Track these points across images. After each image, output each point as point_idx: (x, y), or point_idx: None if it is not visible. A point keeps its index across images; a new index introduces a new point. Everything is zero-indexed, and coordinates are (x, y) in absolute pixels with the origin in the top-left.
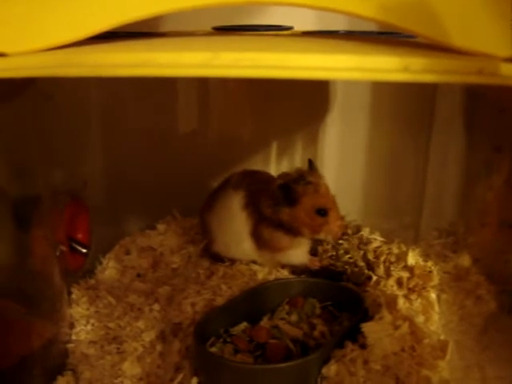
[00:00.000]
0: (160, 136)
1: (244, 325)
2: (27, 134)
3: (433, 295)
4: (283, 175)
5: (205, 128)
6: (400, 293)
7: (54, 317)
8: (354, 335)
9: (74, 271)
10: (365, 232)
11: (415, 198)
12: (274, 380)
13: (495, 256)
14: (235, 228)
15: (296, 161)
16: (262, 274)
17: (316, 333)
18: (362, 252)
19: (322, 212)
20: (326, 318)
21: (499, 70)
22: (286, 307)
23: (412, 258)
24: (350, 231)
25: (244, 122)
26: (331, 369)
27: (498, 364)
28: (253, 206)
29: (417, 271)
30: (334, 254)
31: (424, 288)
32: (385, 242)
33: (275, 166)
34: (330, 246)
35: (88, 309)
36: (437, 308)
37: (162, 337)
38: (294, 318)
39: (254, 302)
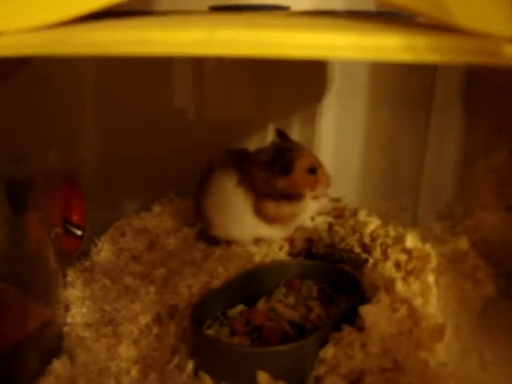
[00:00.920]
0: (155, 117)
1: (241, 307)
2: (21, 116)
3: (431, 278)
4: (260, 150)
5: (201, 109)
6: (398, 275)
7: (49, 299)
8: (352, 318)
9: (70, 254)
10: (361, 215)
11: (413, 180)
12: (270, 363)
13: (494, 239)
14: (234, 208)
15: None
16: (258, 256)
17: (313, 315)
18: (357, 235)
19: (313, 170)
20: (323, 300)
21: (504, 51)
22: (283, 289)
23: (410, 241)
24: (347, 213)
25: (241, 103)
26: (328, 352)
27: (497, 347)
28: (247, 183)
29: (415, 254)
30: (330, 242)
31: (422, 271)
32: (382, 225)
33: None
34: (325, 235)
35: (83, 291)
36: (435, 291)
37: (158, 319)
38: (290, 300)
39: (251, 284)
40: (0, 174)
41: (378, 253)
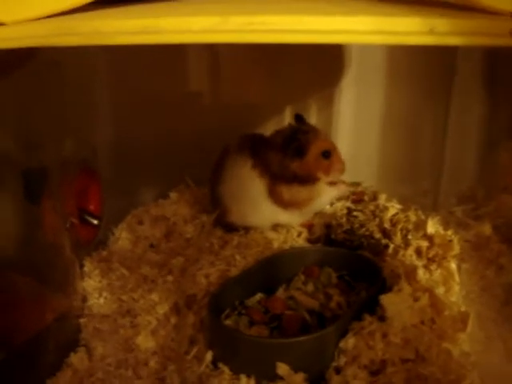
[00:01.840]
0: (171, 103)
1: (259, 296)
2: (35, 104)
3: (453, 265)
4: (277, 133)
5: (217, 94)
6: (419, 263)
7: (66, 290)
8: (372, 307)
9: (87, 243)
10: (381, 199)
11: (434, 163)
12: (290, 353)
13: None
14: (249, 193)
15: None
16: (277, 242)
17: (332, 304)
18: (377, 220)
19: (327, 154)
20: (343, 288)
21: None
22: (302, 277)
23: (432, 227)
24: (366, 198)
25: (257, 87)
26: (349, 342)
27: None
28: (262, 167)
29: (437, 240)
30: (349, 227)
31: (444, 258)
32: (402, 210)
33: None
34: (344, 220)
35: (100, 281)
36: (457, 278)
37: (175, 309)
38: (309, 287)
39: (269, 272)
40: (15, 163)
41: (398, 238)
